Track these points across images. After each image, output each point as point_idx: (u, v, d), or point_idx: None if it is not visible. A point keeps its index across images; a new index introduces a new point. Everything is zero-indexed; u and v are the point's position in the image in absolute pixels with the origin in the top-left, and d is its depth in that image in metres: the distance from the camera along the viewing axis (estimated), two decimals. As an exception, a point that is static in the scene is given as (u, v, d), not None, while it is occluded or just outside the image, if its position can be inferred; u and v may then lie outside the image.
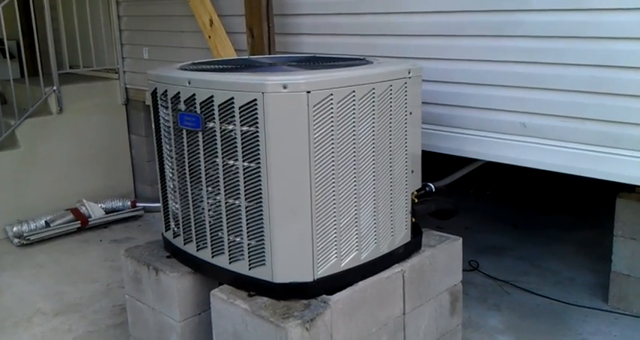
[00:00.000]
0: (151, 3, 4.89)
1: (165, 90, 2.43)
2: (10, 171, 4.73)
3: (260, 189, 2.17)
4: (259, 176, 2.16)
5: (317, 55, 3.08)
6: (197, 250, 2.45)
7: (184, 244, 2.52)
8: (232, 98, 2.16)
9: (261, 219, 2.19)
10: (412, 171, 2.54)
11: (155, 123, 2.59)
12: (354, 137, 2.24)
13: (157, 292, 2.59)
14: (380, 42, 3.32)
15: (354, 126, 2.24)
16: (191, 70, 2.49)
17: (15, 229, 4.58)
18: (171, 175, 2.53)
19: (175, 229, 2.58)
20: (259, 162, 2.15)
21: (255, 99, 2.10)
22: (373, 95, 2.28)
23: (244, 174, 2.19)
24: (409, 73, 2.45)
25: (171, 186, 2.54)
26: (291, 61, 2.80)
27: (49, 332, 3.30)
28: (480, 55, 2.89)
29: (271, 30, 3.47)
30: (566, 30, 2.63)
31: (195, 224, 2.43)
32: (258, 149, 2.14)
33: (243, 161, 2.19)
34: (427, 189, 2.77)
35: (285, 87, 2.08)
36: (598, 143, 2.62)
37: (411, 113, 2.48)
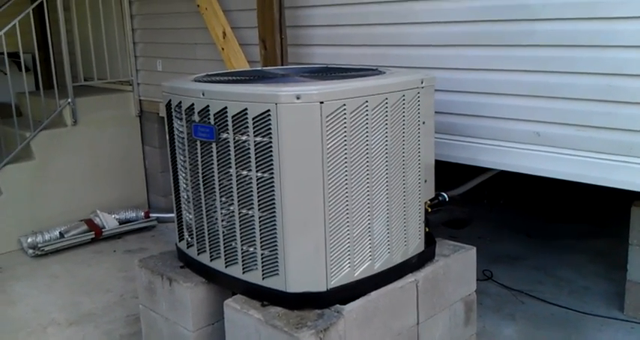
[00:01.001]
0: (165, 16, 4.95)
1: (180, 102, 2.45)
2: (25, 183, 4.78)
3: (273, 199, 2.18)
4: (273, 186, 2.17)
5: (329, 66, 3.10)
6: (211, 260, 2.46)
7: (198, 254, 2.53)
8: (246, 109, 2.17)
9: (275, 229, 2.20)
10: (425, 181, 2.54)
11: (169, 135, 2.61)
12: (367, 147, 2.25)
13: (170, 302, 2.60)
14: (392, 52, 3.34)
15: (367, 136, 2.25)
16: (205, 81, 2.52)
17: (30, 240, 4.62)
18: (185, 186, 2.55)
19: (189, 239, 2.59)
20: (273, 173, 2.16)
21: (269, 110, 2.12)
22: (386, 105, 2.29)
23: (258, 184, 2.21)
24: (422, 82, 2.46)
25: (185, 196, 2.56)
26: (304, 72, 2.82)
27: (64, 343, 3.33)
28: (492, 64, 2.90)
29: (284, 41, 3.50)
30: (579, 39, 2.64)
31: (208, 234, 2.45)
32: (272, 159, 2.15)
33: (257, 171, 2.20)
34: (440, 198, 2.76)
35: (298, 98, 2.10)
36: (612, 151, 2.62)
37: (424, 123, 2.48)
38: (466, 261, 2.74)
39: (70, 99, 4.99)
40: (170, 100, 2.54)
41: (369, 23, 3.42)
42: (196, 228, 2.52)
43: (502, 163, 2.95)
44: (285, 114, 2.10)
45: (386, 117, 2.30)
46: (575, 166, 2.70)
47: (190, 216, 2.55)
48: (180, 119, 2.47)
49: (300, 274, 2.20)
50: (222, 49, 4.02)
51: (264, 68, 3.23)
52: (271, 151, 2.15)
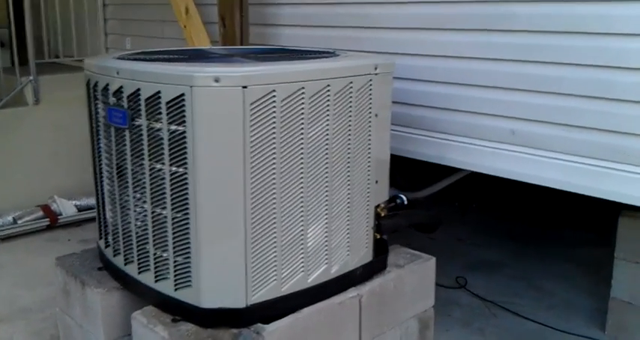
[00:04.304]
0: (136, -10, 4.63)
1: (97, 82, 2.14)
2: (-20, 164, 4.49)
3: (187, 198, 1.86)
4: (187, 183, 1.86)
5: (286, 48, 2.77)
6: (125, 264, 2.15)
7: (114, 256, 2.23)
8: (159, 92, 1.86)
9: (189, 232, 1.88)
10: (376, 182, 2.22)
11: (89, 119, 2.31)
12: (302, 141, 1.93)
13: (84, 308, 2.30)
14: (362, 35, 3.00)
15: (302, 128, 1.92)
16: (131, 59, 2.20)
17: (-20, 225, 4.33)
18: (101, 177, 2.24)
19: (106, 238, 2.29)
20: (187, 167, 1.85)
21: (183, 94, 1.80)
22: (328, 93, 1.97)
23: (171, 180, 1.89)
24: (376, 68, 2.13)
25: (101, 189, 2.26)
26: (252, 53, 2.49)
27: (-13, 342, 3.05)
28: (466, 51, 2.56)
29: (244, 19, 3.17)
30: (565, 24, 2.29)
31: (123, 234, 2.14)
32: (186, 152, 1.84)
33: (171, 165, 1.89)
34: (398, 201, 2.45)
35: (217, 81, 1.78)
36: (597, 156, 2.27)
37: (376, 115, 2.16)
38: (423, 273, 2.42)
39: (32, 77, 4.67)
40: (89, 80, 2.23)
41: (339, 2, 3.08)
42: (112, 227, 2.22)
43: (472, 163, 2.61)
44: (200, 99, 1.78)
45: (327, 108, 1.97)
46: (554, 171, 2.36)
47: (108, 212, 2.24)
48: (97, 101, 2.16)
49: (215, 287, 1.90)
50: (185, 26, 3.69)
51: (208, 47, 2.91)
52: (186, 142, 1.83)
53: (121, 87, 1.98)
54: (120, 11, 4.91)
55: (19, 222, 4.38)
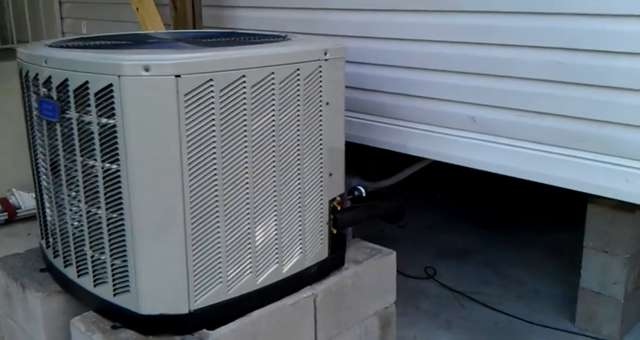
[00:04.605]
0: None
1: (28, 71, 1.98)
2: None
3: (121, 196, 1.73)
4: (120, 181, 1.72)
5: (235, 31, 2.62)
6: (65, 267, 2.02)
7: (54, 257, 2.09)
8: (87, 82, 1.71)
9: (124, 234, 1.75)
10: (330, 174, 2.10)
11: (24, 111, 2.15)
12: (245, 134, 1.80)
13: (25, 312, 2.17)
14: (318, 17, 2.86)
15: (245, 120, 1.79)
16: (63, 47, 2.04)
17: None
18: (38, 174, 2.10)
19: (47, 238, 2.15)
20: (120, 164, 1.71)
21: (111, 84, 1.66)
22: (272, 81, 1.83)
23: (104, 177, 1.76)
24: (325, 54, 1.99)
25: (39, 186, 2.12)
26: (198, 38, 2.34)
27: None
28: (423, 33, 2.44)
29: (196, 1, 3.00)
30: (524, 4, 2.18)
31: (61, 235, 2.00)
32: (118, 147, 1.70)
33: (103, 161, 1.75)
34: (356, 193, 2.33)
35: (147, 70, 1.63)
36: (559, 143, 2.18)
37: (327, 103, 2.03)
38: (383, 268, 2.31)
39: (-16, 64, 4.46)
40: (21, 69, 2.07)
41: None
42: (51, 226, 2.08)
43: (433, 152, 2.50)
44: (129, 89, 1.64)
45: (272, 97, 1.84)
46: (515, 159, 2.27)
47: (47, 211, 2.10)
48: (30, 92, 2.01)
49: (155, 292, 1.77)
50: (137, 9, 3.51)
51: (153, 32, 2.74)
52: (117, 137, 1.69)
53: (50, 77, 1.83)
54: (77, -6, 4.71)
55: (-25, 216, 4.21)
